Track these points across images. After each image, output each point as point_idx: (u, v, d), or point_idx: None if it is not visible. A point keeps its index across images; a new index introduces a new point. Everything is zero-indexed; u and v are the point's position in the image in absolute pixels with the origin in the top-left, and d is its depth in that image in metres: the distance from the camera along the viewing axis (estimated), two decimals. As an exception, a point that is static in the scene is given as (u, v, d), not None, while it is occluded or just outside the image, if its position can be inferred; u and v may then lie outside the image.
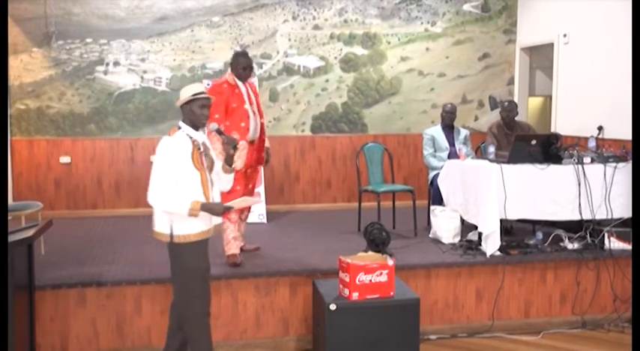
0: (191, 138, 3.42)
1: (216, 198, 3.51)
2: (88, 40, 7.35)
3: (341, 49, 7.90)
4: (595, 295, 4.98)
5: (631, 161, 5.02)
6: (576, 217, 5.04)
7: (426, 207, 6.21)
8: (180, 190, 3.34)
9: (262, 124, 4.90)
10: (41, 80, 7.28)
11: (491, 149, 5.47)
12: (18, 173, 7.23)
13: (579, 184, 5.01)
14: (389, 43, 7.99)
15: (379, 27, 7.96)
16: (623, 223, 5.07)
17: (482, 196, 5.02)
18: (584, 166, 5.02)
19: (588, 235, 5.13)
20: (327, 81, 7.86)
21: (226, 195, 4.39)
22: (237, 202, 3.58)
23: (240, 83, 4.75)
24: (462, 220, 5.44)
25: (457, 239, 5.39)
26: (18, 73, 7.20)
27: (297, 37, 7.80)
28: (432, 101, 8.07)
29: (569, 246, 5.11)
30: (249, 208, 5.17)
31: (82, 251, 5.28)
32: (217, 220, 3.56)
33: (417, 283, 4.70)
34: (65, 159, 7.34)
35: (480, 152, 6.52)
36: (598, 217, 5.05)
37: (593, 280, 4.99)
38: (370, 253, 4.28)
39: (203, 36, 7.59)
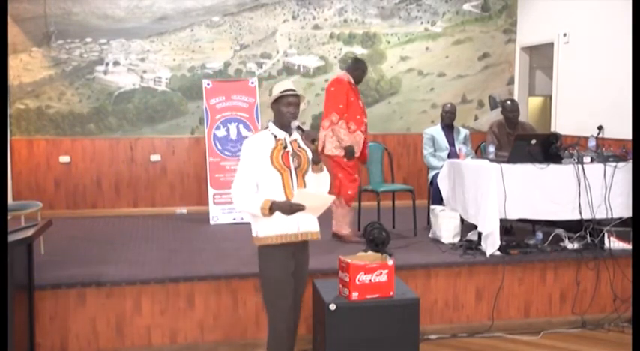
0: (275, 137, 3.33)
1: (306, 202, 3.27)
2: (88, 39, 7.35)
3: (341, 49, 7.90)
4: (595, 294, 4.98)
5: (631, 161, 5.03)
6: (576, 216, 5.04)
7: (426, 207, 6.20)
8: (261, 190, 3.24)
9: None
10: (41, 80, 7.28)
11: (491, 149, 5.46)
12: (17, 173, 7.23)
13: (579, 184, 5.01)
14: (389, 42, 7.99)
15: (379, 27, 7.96)
16: (622, 222, 5.07)
17: (482, 195, 5.02)
18: (584, 165, 5.02)
19: (588, 235, 5.12)
20: (326, 80, 7.81)
21: (348, 184, 5.48)
22: (308, 198, 3.25)
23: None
24: (462, 220, 5.44)
25: (457, 239, 5.39)
26: (18, 73, 7.20)
27: (297, 36, 7.80)
28: (432, 101, 8.07)
29: (569, 246, 5.11)
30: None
31: (82, 251, 5.29)
32: (306, 226, 3.35)
33: (417, 283, 4.70)
34: (65, 159, 7.34)
35: (479, 152, 6.52)
36: (598, 216, 5.05)
37: (592, 279, 4.99)
38: (370, 252, 4.27)
39: (203, 36, 7.59)
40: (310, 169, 3.35)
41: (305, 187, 3.32)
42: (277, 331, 3.37)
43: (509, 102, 6.05)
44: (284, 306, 3.35)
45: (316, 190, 3.34)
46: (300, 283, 3.50)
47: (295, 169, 3.30)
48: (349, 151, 5.46)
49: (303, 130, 3.29)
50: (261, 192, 3.25)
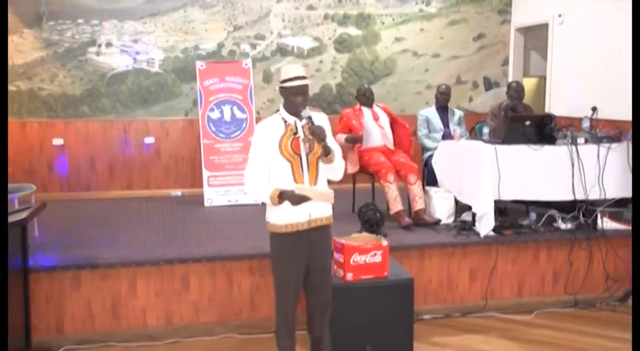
0: (285, 122, 3.18)
1: (319, 186, 3.21)
2: (80, 20, 7.28)
3: (335, 30, 7.85)
4: (587, 274, 5.02)
5: (624, 142, 5.04)
6: (570, 197, 5.06)
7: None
8: (273, 178, 3.15)
9: (406, 133, 5.88)
10: (32, 61, 7.22)
11: (485, 130, 5.46)
12: (10, 155, 7.18)
13: (573, 165, 5.02)
14: (383, 23, 7.94)
15: (373, 7, 7.91)
16: (616, 203, 5.09)
17: (477, 176, 5.03)
18: (578, 146, 5.02)
19: (581, 215, 5.15)
20: (321, 62, 7.82)
21: (374, 164, 5.55)
22: (311, 193, 3.14)
23: (364, 108, 5.85)
24: (456, 201, 5.45)
25: (451, 220, 5.41)
26: (9, 55, 7.11)
27: (291, 17, 7.74)
28: (427, 82, 8.05)
29: (563, 226, 5.13)
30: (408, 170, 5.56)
31: (76, 233, 5.28)
32: (317, 213, 3.20)
33: (411, 264, 4.72)
34: (58, 141, 7.31)
35: (474, 133, 6.52)
36: (591, 197, 5.07)
37: (585, 259, 5.02)
38: (364, 233, 4.29)
39: (196, 17, 7.52)
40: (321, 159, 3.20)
41: (318, 173, 3.20)
42: (281, 316, 3.34)
43: (514, 83, 6.03)
44: (288, 294, 3.29)
45: (317, 187, 3.21)
46: (320, 271, 3.30)
47: (307, 154, 3.16)
48: (351, 139, 5.62)
49: (313, 123, 3.12)
50: (272, 179, 3.16)
